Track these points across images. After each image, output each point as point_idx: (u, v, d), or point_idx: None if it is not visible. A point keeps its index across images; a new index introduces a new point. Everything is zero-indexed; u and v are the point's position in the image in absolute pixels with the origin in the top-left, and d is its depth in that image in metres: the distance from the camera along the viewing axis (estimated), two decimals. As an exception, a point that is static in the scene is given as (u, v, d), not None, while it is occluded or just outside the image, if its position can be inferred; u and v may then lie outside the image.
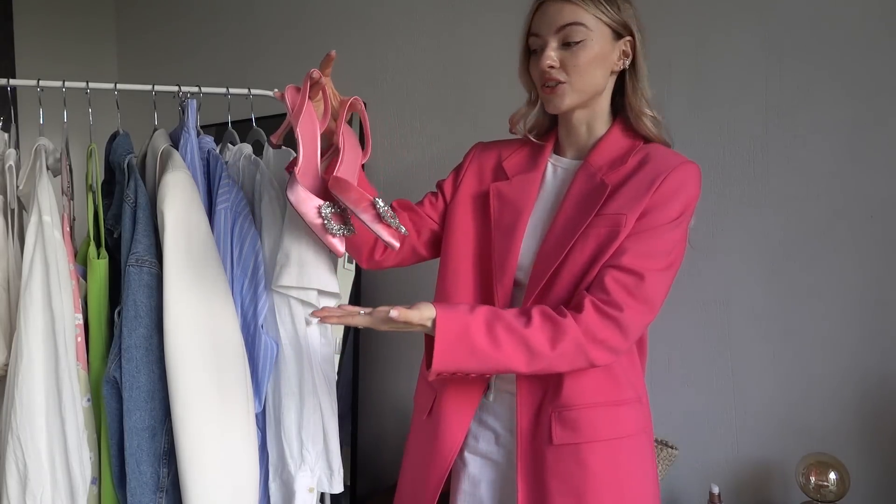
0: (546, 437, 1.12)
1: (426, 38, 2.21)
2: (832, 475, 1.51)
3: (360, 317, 1.02)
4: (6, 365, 1.21)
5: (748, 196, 1.69)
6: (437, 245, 1.28)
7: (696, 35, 1.74)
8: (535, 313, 1.06)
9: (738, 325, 1.72)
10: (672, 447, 1.72)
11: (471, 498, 1.23)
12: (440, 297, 1.24)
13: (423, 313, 1.03)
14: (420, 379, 1.31)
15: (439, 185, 1.31)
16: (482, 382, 1.20)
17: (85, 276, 1.28)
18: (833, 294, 1.61)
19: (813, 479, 1.52)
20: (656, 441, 1.74)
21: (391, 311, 0.99)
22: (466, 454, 1.23)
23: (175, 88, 1.45)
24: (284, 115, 1.69)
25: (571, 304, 1.09)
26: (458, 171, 1.30)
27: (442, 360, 1.04)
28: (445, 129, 2.17)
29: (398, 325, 1.03)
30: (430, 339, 1.06)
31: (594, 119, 1.18)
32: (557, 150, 1.24)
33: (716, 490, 1.61)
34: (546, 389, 1.14)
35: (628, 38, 1.14)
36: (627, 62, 1.16)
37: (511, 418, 1.19)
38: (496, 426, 1.21)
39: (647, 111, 1.16)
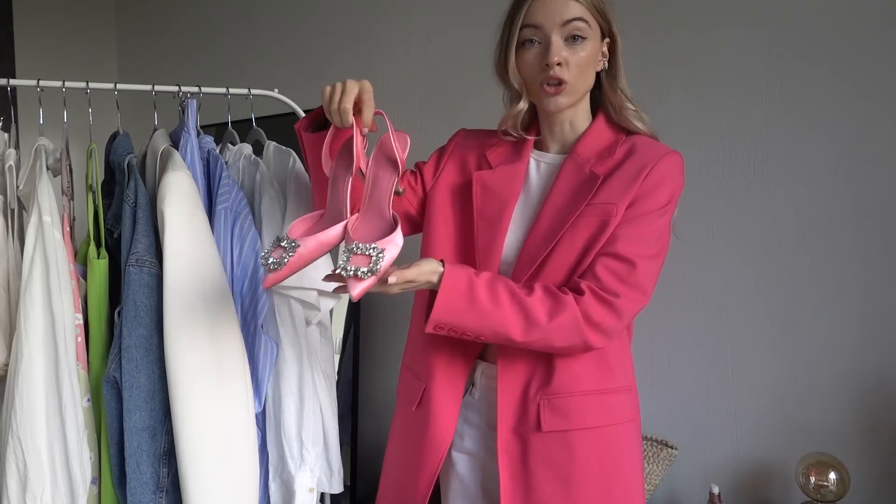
0: (533, 424, 1.12)
1: (425, 37, 2.21)
2: (832, 475, 1.50)
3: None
4: (6, 365, 1.21)
5: (748, 196, 1.69)
6: (410, 225, 1.27)
7: (696, 35, 1.74)
8: (538, 286, 1.07)
9: (737, 325, 1.72)
10: (672, 447, 1.72)
11: (462, 496, 1.22)
12: None
13: (425, 268, 1.02)
14: (403, 369, 1.28)
15: (419, 168, 1.29)
16: (467, 367, 1.18)
17: (85, 276, 1.28)
18: (833, 294, 1.61)
19: (813, 479, 1.52)
20: (656, 441, 1.74)
21: (389, 278, 0.99)
22: (454, 453, 1.22)
23: (175, 88, 1.45)
24: (284, 114, 1.69)
25: (569, 288, 1.09)
26: (440, 155, 1.29)
27: (442, 311, 1.03)
28: (443, 128, 2.16)
29: (405, 285, 1.02)
30: (431, 294, 1.06)
31: (577, 115, 1.18)
32: (539, 146, 1.24)
33: (716, 490, 1.61)
34: (530, 378, 1.14)
35: (608, 38, 1.16)
36: (606, 62, 1.17)
37: (488, 411, 1.18)
38: (481, 423, 1.20)
39: (629, 105, 1.17)
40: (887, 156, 1.54)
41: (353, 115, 1.07)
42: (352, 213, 1.09)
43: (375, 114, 1.10)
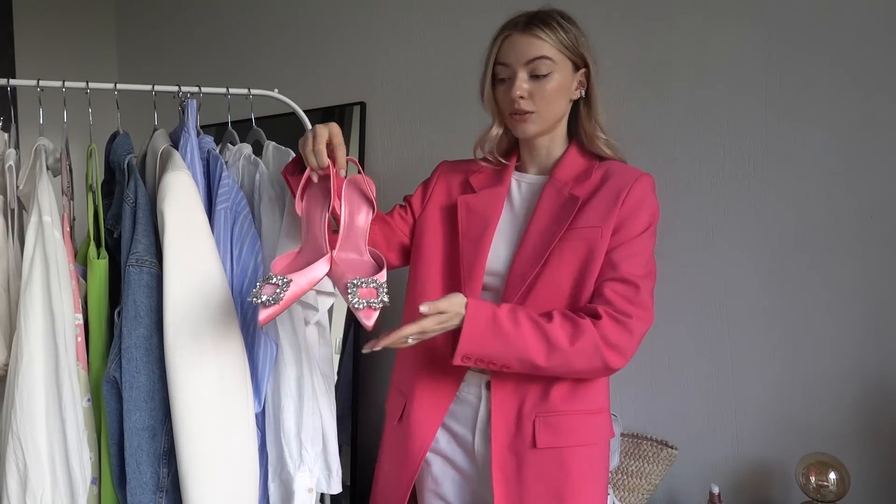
0: (529, 441, 1.18)
1: (424, 38, 2.21)
2: (832, 475, 1.51)
3: (409, 331, 1.07)
4: (6, 365, 1.21)
5: (748, 196, 1.69)
6: (406, 255, 1.37)
7: (696, 35, 1.74)
8: (556, 313, 1.14)
9: (737, 325, 1.72)
10: (672, 447, 1.73)
11: (434, 495, 1.30)
12: (410, 301, 1.31)
13: (454, 300, 1.10)
14: (391, 388, 1.37)
15: (408, 200, 1.38)
16: (453, 387, 1.25)
17: (85, 276, 1.28)
18: (833, 294, 1.61)
19: (813, 479, 1.52)
20: (656, 441, 1.75)
21: (421, 307, 1.05)
22: (429, 454, 1.29)
23: (175, 88, 1.45)
24: (284, 114, 1.70)
25: (585, 312, 1.16)
26: (426, 186, 1.38)
27: (469, 342, 1.10)
28: (443, 129, 2.17)
29: (438, 326, 1.08)
30: (454, 330, 1.12)
31: (553, 141, 1.28)
32: (519, 168, 1.32)
33: (716, 490, 1.61)
34: (524, 397, 1.20)
35: (584, 69, 1.23)
36: (583, 91, 1.25)
37: (469, 418, 1.25)
38: (454, 427, 1.27)
39: (600, 135, 1.25)
40: (887, 156, 1.54)
41: (328, 157, 1.16)
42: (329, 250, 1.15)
43: (347, 158, 1.19)
